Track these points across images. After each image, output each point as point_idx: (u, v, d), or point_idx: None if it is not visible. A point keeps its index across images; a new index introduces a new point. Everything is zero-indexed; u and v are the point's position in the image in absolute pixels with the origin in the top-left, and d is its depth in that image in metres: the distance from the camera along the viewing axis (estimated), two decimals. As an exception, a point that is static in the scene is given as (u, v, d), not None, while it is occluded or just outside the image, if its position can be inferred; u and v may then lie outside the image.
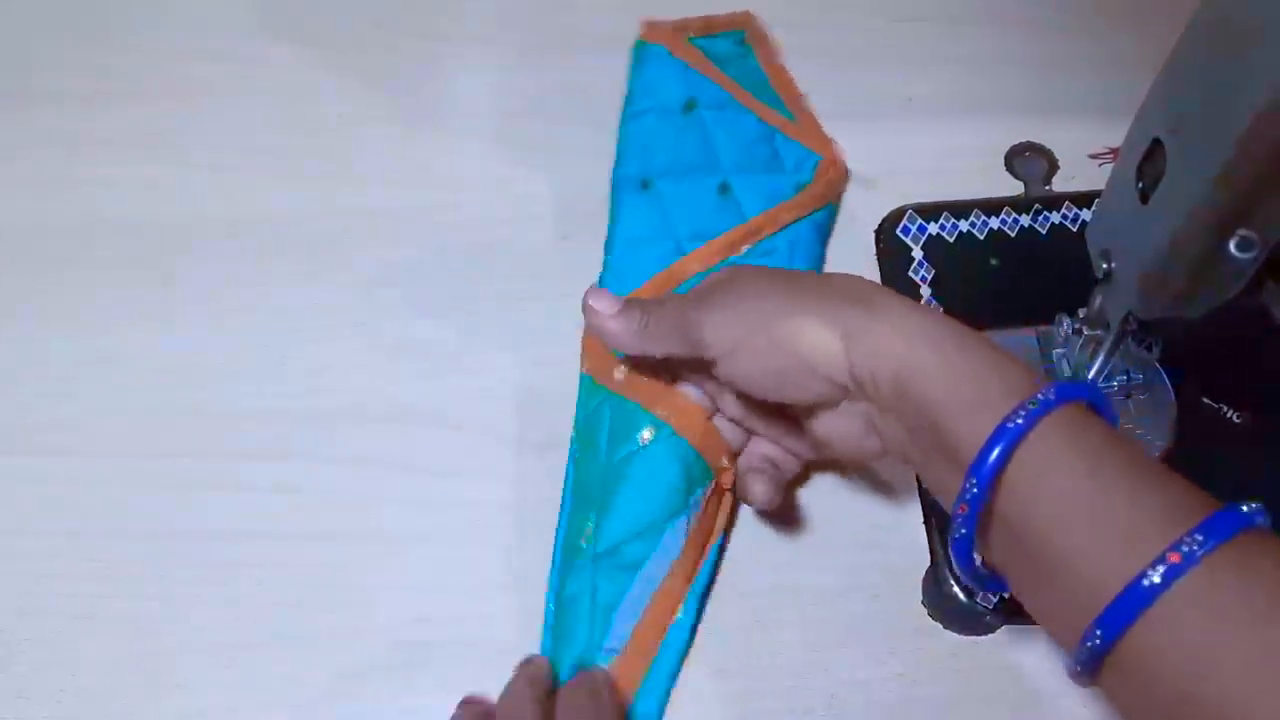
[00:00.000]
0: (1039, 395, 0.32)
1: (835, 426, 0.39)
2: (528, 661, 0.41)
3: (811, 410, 0.39)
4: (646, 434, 0.43)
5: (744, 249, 0.50)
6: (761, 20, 0.58)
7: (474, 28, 0.59)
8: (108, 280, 0.52)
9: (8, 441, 0.48)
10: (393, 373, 0.49)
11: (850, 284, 0.38)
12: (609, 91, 0.57)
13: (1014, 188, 0.54)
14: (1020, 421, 0.31)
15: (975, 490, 0.32)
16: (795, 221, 0.51)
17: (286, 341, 0.50)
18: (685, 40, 0.56)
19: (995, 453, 0.31)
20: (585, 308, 0.42)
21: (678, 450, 0.43)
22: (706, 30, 0.58)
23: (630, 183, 0.52)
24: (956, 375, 0.34)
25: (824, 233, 0.52)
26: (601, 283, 0.50)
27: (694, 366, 0.42)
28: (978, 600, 0.44)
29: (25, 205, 0.54)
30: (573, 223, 0.53)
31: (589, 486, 0.44)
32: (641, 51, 0.57)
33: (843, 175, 0.54)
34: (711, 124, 0.53)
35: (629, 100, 0.56)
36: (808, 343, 0.36)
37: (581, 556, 0.43)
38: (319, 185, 0.54)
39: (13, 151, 0.54)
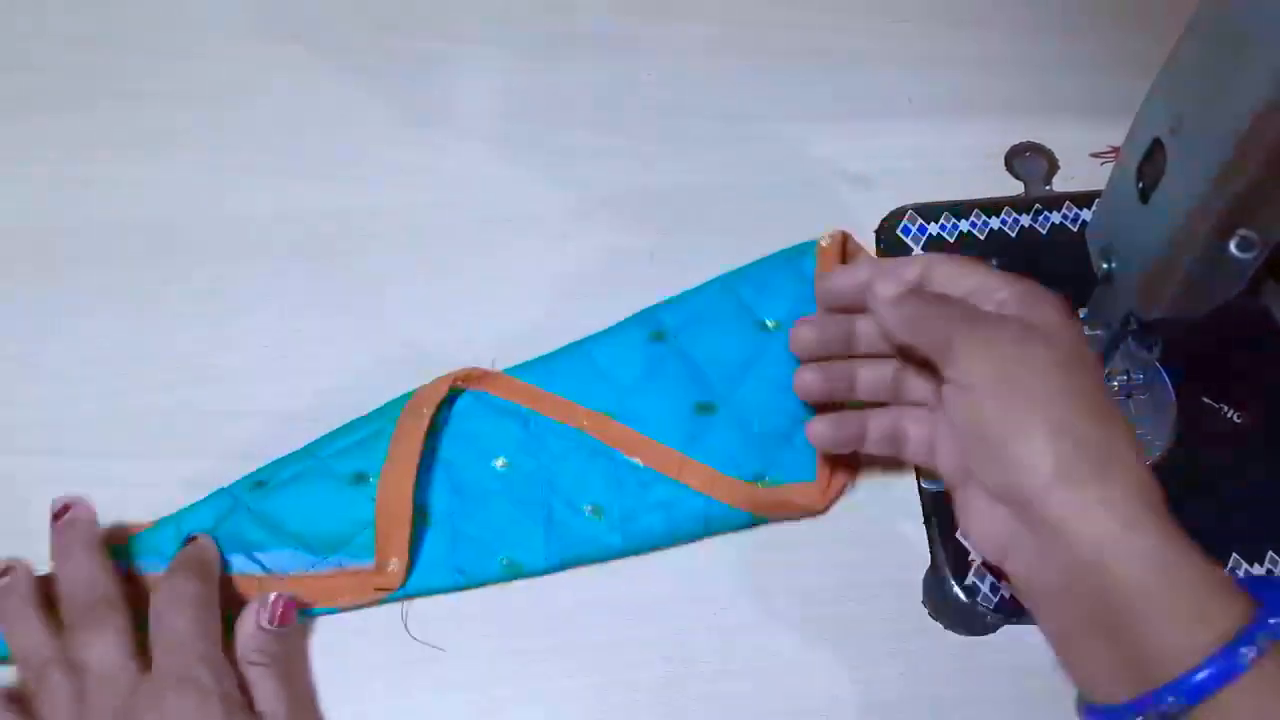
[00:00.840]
0: (1271, 621, 0.31)
1: (973, 503, 0.38)
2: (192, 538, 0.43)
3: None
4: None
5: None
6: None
7: (474, 28, 0.59)
8: (107, 280, 0.51)
9: (8, 441, 0.47)
10: (393, 373, 0.49)
11: (1104, 416, 0.35)
12: (609, 91, 0.57)
13: (1014, 188, 0.54)
14: (1250, 653, 0.30)
15: (1174, 705, 0.31)
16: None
17: (286, 341, 0.50)
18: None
19: (1205, 674, 0.30)
20: (870, 291, 0.41)
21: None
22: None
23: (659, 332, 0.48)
24: (1173, 577, 0.32)
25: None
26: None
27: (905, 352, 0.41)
28: (978, 600, 0.44)
29: (25, 205, 0.54)
30: (573, 223, 0.53)
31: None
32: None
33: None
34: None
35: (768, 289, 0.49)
36: (1024, 456, 0.34)
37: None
38: (319, 185, 0.53)
39: (13, 152, 0.54)
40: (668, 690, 0.43)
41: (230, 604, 0.42)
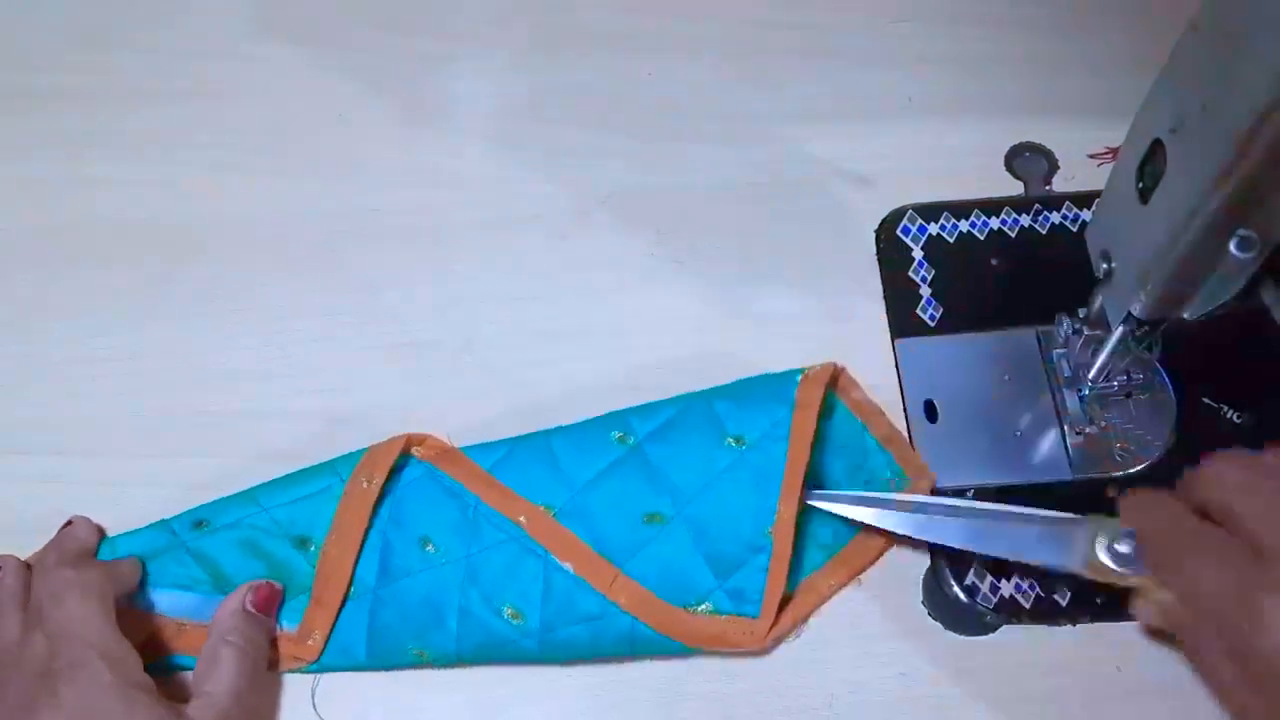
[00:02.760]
0: None
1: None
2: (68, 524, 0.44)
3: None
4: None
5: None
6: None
7: (474, 28, 0.59)
8: (107, 280, 0.52)
9: (8, 441, 0.47)
10: (392, 373, 0.49)
11: None
12: (609, 91, 0.57)
13: (1014, 188, 0.54)
14: None
15: None
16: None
17: (286, 341, 0.50)
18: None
19: None
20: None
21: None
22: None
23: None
24: None
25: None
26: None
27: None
28: (978, 600, 0.44)
29: (26, 205, 0.54)
30: (573, 223, 0.53)
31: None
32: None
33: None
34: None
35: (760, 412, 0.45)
36: None
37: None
38: (319, 185, 0.53)
39: (13, 151, 0.54)
40: (668, 690, 0.43)
41: (150, 644, 0.42)
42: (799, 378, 0.45)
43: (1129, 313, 0.39)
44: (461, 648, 0.42)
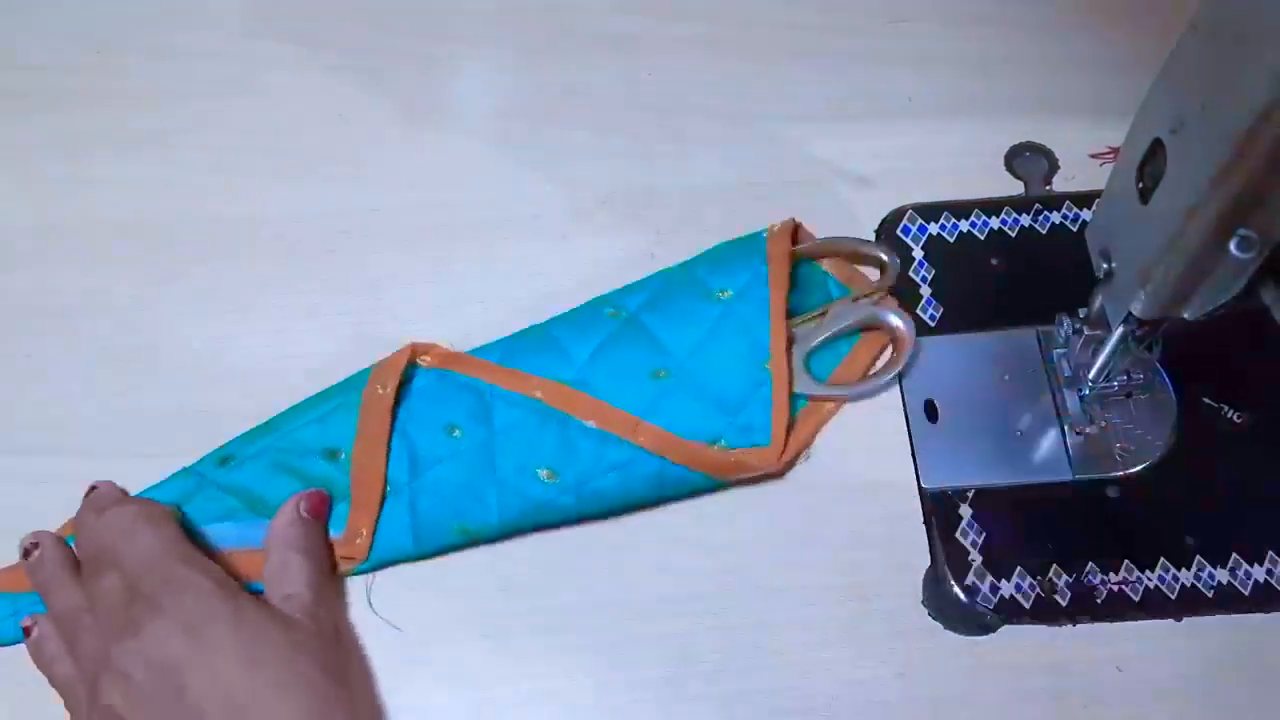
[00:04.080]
0: None
1: None
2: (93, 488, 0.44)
3: None
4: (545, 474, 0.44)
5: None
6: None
7: (474, 28, 0.59)
8: (107, 280, 0.51)
9: (9, 441, 0.48)
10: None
11: None
12: (609, 91, 0.57)
13: (1014, 188, 0.54)
14: None
15: None
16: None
17: (286, 341, 0.50)
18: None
19: None
20: None
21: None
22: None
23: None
24: None
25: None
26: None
27: None
28: (977, 600, 0.44)
29: (25, 205, 0.54)
30: (573, 223, 0.53)
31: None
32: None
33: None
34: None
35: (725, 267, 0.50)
36: None
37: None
38: (319, 185, 0.53)
39: (13, 151, 0.54)
40: (668, 690, 0.43)
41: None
42: (765, 235, 0.50)
43: (1129, 313, 0.39)
44: (504, 517, 0.44)
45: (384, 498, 0.45)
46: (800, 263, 0.51)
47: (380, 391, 0.46)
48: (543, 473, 0.44)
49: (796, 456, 0.47)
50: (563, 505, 0.44)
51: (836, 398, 0.48)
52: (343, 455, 0.45)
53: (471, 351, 0.49)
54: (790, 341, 0.48)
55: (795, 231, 0.51)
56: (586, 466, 0.45)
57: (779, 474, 0.46)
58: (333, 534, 0.44)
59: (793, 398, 0.47)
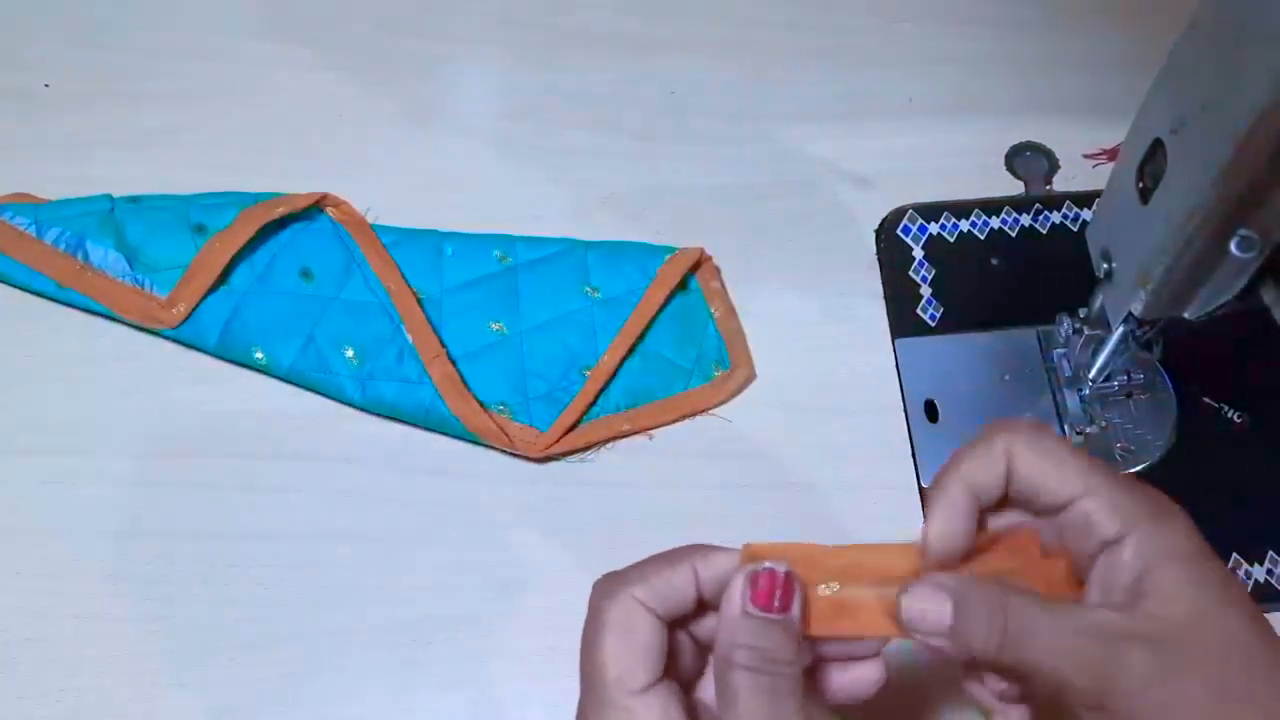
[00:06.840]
0: None
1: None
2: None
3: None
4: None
5: None
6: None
7: (474, 28, 0.59)
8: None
9: (9, 441, 0.47)
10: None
11: None
12: (609, 91, 0.57)
13: (1014, 188, 0.54)
14: None
15: None
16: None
17: (287, 341, 0.50)
18: None
19: None
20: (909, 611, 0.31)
21: None
22: None
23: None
24: None
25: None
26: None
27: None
28: (978, 600, 0.44)
29: (25, 205, 0.54)
30: (573, 223, 0.53)
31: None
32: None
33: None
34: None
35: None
36: None
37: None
38: (319, 185, 0.53)
39: (13, 151, 0.54)
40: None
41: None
42: (666, 256, 0.51)
43: (1129, 313, 0.39)
44: (296, 366, 0.48)
45: (215, 289, 0.48)
46: (686, 293, 0.51)
47: (271, 210, 0.50)
48: (348, 351, 0.48)
49: (563, 454, 0.47)
50: (344, 387, 0.47)
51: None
52: (208, 233, 0.49)
53: (375, 226, 0.52)
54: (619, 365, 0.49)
55: (699, 264, 0.51)
56: (383, 366, 0.47)
57: (535, 459, 0.47)
58: (158, 292, 0.48)
59: (597, 409, 0.48)
